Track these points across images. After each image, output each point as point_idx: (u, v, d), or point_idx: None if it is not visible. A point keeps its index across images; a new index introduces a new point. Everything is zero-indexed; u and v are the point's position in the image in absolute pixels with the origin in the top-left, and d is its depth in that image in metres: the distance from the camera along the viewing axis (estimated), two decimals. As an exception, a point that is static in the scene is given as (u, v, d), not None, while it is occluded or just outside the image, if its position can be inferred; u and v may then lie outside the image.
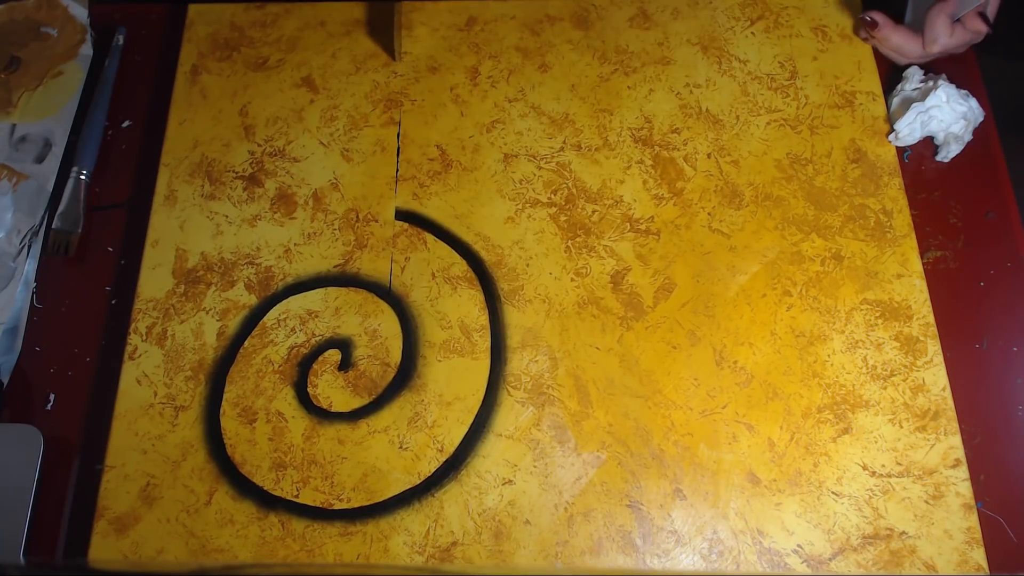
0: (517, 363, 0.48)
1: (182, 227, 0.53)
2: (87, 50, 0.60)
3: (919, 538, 0.44)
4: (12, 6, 0.62)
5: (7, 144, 0.57)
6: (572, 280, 0.50)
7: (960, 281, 0.51)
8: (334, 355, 0.49)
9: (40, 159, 0.56)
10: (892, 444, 0.46)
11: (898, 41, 0.53)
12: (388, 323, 0.50)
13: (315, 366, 0.49)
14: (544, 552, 0.44)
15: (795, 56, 0.56)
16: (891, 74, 0.56)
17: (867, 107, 0.54)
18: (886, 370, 0.47)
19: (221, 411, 0.48)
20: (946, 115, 0.52)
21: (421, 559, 0.44)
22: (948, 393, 0.47)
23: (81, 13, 0.61)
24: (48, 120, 0.58)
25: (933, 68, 0.55)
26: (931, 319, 0.48)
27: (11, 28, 0.61)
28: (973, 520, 0.44)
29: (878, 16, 0.53)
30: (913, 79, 0.54)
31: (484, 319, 0.50)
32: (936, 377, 0.47)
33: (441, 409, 0.48)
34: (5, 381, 0.50)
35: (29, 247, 0.53)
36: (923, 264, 0.51)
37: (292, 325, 0.50)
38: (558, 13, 0.59)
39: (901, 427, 0.46)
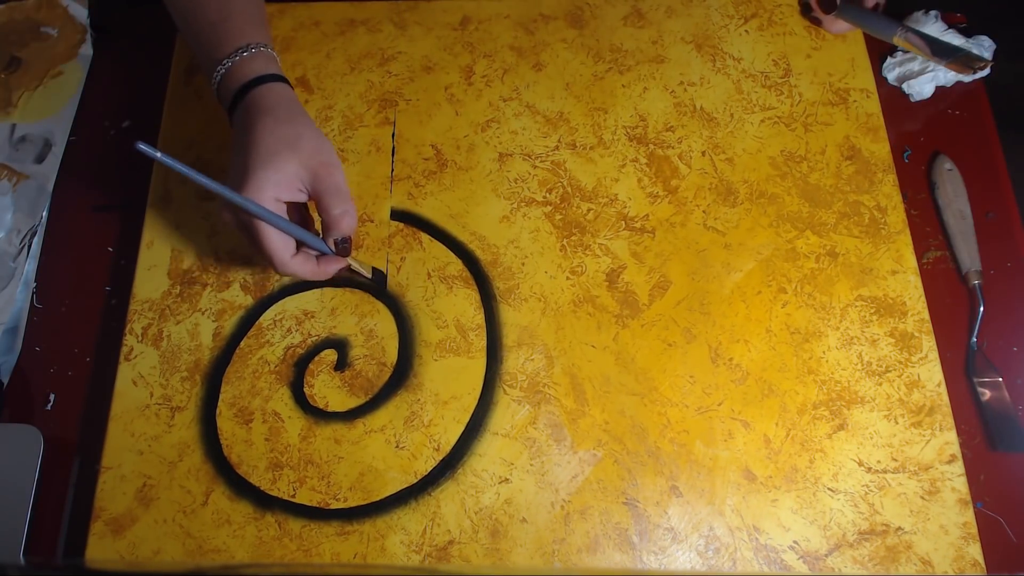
0: (513, 362, 0.49)
1: (177, 228, 0.53)
2: (87, 50, 0.60)
3: (915, 534, 0.44)
4: (12, 6, 0.62)
5: (7, 144, 0.57)
6: (567, 278, 0.50)
7: (960, 281, 0.51)
8: (330, 355, 0.49)
9: (40, 159, 0.57)
10: (887, 440, 0.46)
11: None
12: (384, 323, 0.50)
13: (311, 366, 0.49)
14: (541, 550, 0.44)
15: (789, 54, 0.56)
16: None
17: (861, 104, 0.54)
18: (881, 366, 0.47)
19: (217, 411, 0.48)
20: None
21: (418, 558, 0.44)
22: (943, 389, 0.47)
23: (81, 13, 0.62)
24: (48, 120, 0.58)
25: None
26: (926, 315, 0.48)
27: (11, 28, 0.61)
28: (969, 515, 0.44)
29: None
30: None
31: (480, 318, 0.50)
32: (931, 373, 0.47)
33: (437, 408, 0.48)
34: (5, 381, 0.50)
35: (29, 247, 0.54)
36: (923, 264, 0.51)
37: (288, 325, 0.50)
38: (552, 12, 0.59)
39: (896, 423, 0.46)
